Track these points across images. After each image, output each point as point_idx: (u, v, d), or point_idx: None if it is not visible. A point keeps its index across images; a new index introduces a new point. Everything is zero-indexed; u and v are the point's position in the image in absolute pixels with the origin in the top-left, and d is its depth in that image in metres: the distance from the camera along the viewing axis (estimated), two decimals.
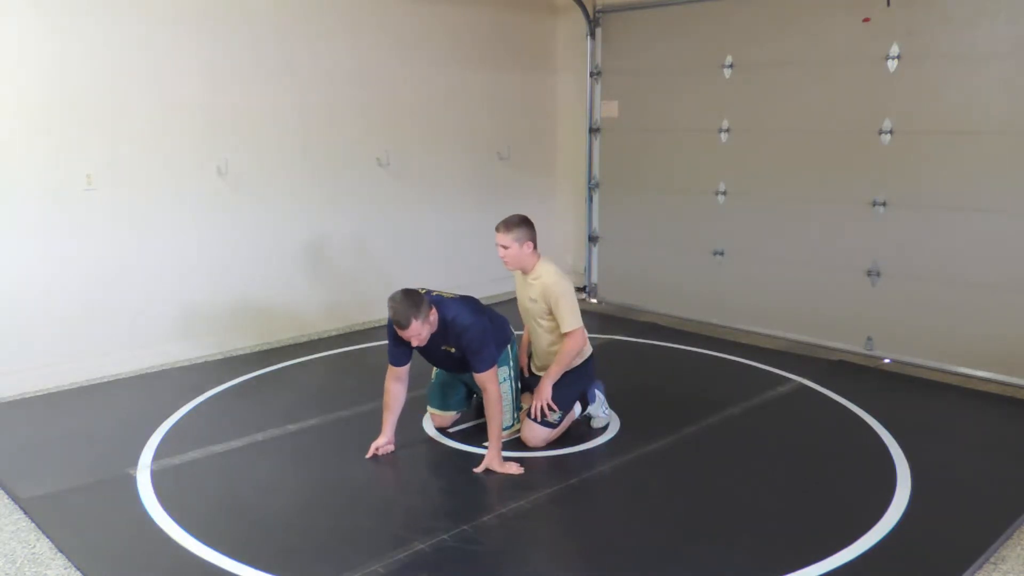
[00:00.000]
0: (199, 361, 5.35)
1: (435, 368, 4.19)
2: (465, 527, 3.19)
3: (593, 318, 6.54)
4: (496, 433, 3.70)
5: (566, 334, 3.91)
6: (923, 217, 5.16)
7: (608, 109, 6.81)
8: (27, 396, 4.69)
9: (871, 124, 5.28)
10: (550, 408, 3.91)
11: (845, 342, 5.55)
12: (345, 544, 3.10)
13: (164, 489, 3.53)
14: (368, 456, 3.82)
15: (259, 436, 4.11)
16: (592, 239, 7.08)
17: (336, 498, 3.51)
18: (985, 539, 3.12)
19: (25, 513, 3.39)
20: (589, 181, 6.99)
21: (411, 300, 3.52)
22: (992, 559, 3.05)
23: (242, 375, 5.04)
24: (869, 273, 5.43)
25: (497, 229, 3.93)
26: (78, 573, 2.96)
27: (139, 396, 4.73)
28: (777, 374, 5.05)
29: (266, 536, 3.18)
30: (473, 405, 4.27)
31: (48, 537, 3.20)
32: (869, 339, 5.47)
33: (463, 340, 3.68)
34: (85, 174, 4.84)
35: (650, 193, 6.61)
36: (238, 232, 5.53)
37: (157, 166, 5.11)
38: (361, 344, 5.74)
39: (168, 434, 4.13)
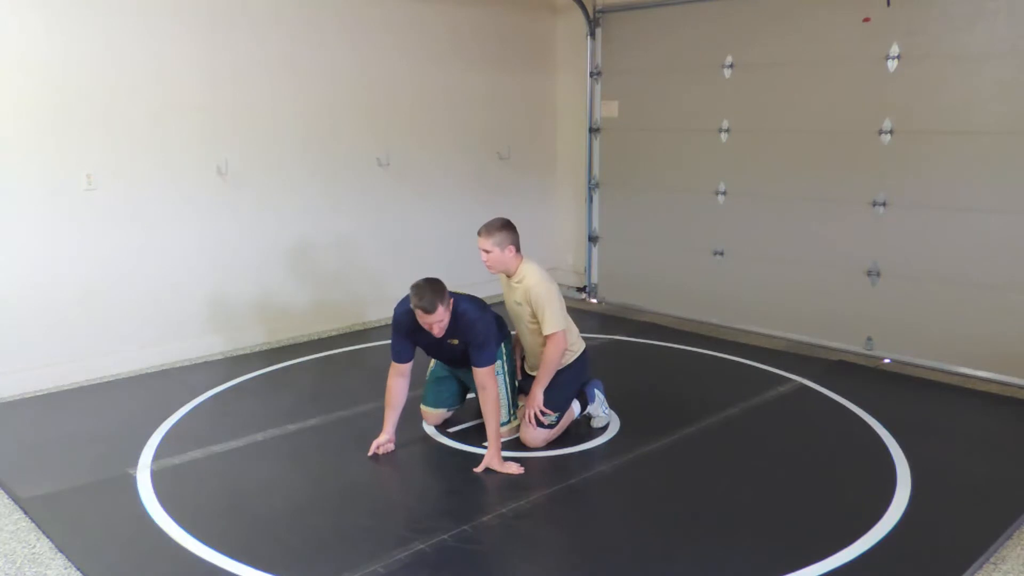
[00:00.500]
0: (199, 361, 5.35)
1: (431, 367, 4.20)
2: (465, 527, 3.19)
3: (593, 318, 6.54)
4: (495, 432, 3.71)
5: (548, 336, 3.89)
6: (923, 217, 5.16)
7: (608, 109, 6.81)
8: (27, 396, 4.69)
9: (871, 124, 5.28)
10: (543, 413, 3.92)
11: (845, 342, 5.56)
12: (345, 544, 3.10)
13: (164, 489, 3.53)
14: (369, 455, 3.82)
15: (259, 436, 4.11)
16: (592, 239, 7.08)
17: (336, 498, 3.51)
18: (985, 539, 3.12)
19: (25, 513, 3.39)
20: (589, 181, 7.00)
21: (436, 287, 3.59)
22: (992, 559, 3.05)
23: (242, 375, 5.04)
24: (869, 273, 5.43)
25: (479, 233, 3.92)
26: (78, 573, 2.96)
27: (139, 396, 4.73)
28: (777, 374, 5.05)
29: (266, 536, 3.18)
30: (468, 403, 4.28)
31: (48, 537, 3.20)
32: (869, 339, 5.47)
33: (470, 334, 3.72)
34: (85, 174, 4.84)
35: (650, 193, 6.62)
36: (238, 232, 5.53)
37: (157, 166, 5.12)
38: (361, 344, 5.74)
39: (168, 434, 4.13)
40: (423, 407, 4.20)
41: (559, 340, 3.88)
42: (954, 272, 5.06)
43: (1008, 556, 3.08)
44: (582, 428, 4.18)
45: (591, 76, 6.84)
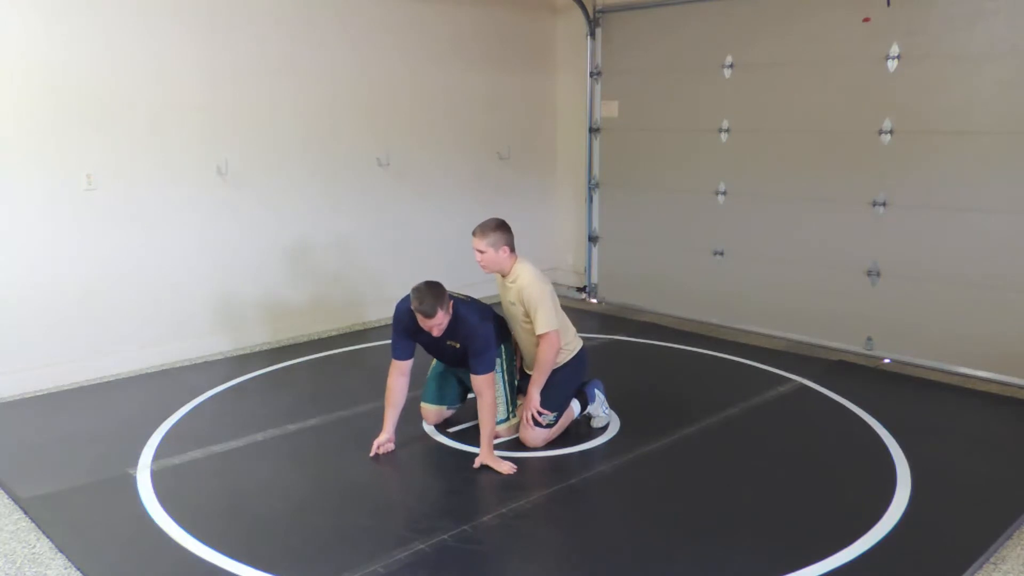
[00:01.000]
0: (199, 361, 5.35)
1: (432, 365, 4.21)
2: (465, 527, 3.19)
3: (593, 318, 6.54)
4: (488, 435, 3.75)
5: (541, 336, 3.88)
6: (923, 217, 5.16)
7: (608, 109, 6.81)
8: (27, 396, 4.69)
9: (871, 124, 5.28)
10: (540, 413, 3.92)
11: (845, 342, 5.56)
12: (345, 544, 3.10)
13: (164, 489, 3.53)
14: (371, 455, 3.82)
15: (259, 436, 4.11)
16: (592, 239, 7.08)
17: (336, 498, 3.51)
18: (985, 539, 3.12)
19: (25, 513, 3.39)
20: (589, 181, 7.00)
21: (436, 291, 3.63)
22: (992, 559, 3.05)
23: (242, 375, 5.04)
24: (869, 273, 5.43)
25: (473, 234, 3.92)
26: (78, 573, 2.96)
27: (139, 396, 4.73)
28: (777, 374, 5.05)
29: (266, 536, 3.18)
30: (468, 403, 4.28)
31: (48, 537, 3.20)
32: (869, 339, 5.47)
33: (469, 340, 3.76)
34: (85, 174, 4.84)
35: (650, 193, 6.62)
36: (238, 232, 5.53)
37: (157, 166, 5.11)
38: (361, 344, 5.74)
39: (168, 434, 4.13)
40: (423, 404, 4.20)
41: (552, 340, 3.88)
42: (954, 272, 5.06)
43: (1008, 556, 3.08)
44: (582, 428, 4.18)
45: (591, 76, 6.84)
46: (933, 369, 5.16)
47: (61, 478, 3.64)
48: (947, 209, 5.05)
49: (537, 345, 3.92)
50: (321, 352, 5.54)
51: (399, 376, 3.87)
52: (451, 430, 4.16)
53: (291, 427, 4.23)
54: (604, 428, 4.19)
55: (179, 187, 5.23)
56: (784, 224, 5.83)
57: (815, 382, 4.88)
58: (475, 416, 4.22)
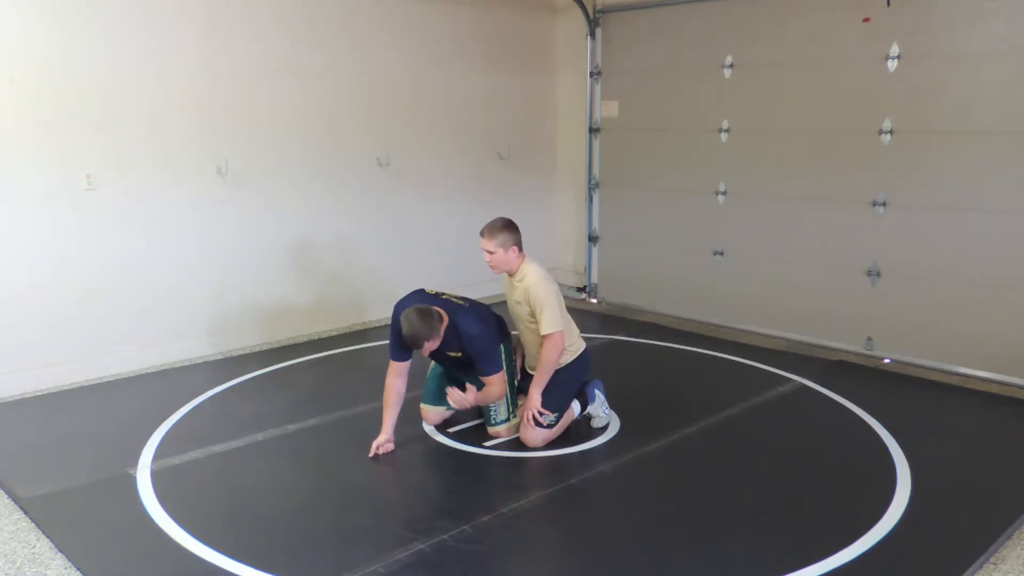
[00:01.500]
0: (199, 361, 5.35)
1: (431, 365, 4.22)
2: (465, 527, 3.19)
3: (593, 318, 6.54)
4: (482, 398, 3.91)
5: (545, 336, 3.89)
6: (923, 217, 5.16)
7: (608, 109, 6.81)
8: (27, 396, 4.69)
9: (871, 124, 5.28)
10: (541, 413, 3.92)
11: (845, 342, 5.56)
12: (345, 544, 3.10)
13: (164, 489, 3.53)
14: (370, 456, 3.82)
15: (259, 436, 4.11)
16: (592, 239, 7.08)
17: (336, 498, 3.51)
18: (985, 539, 3.12)
19: (25, 513, 3.39)
20: (589, 181, 7.00)
21: (425, 321, 3.63)
22: (992, 559, 3.05)
23: (242, 375, 5.04)
24: (869, 273, 5.43)
25: (481, 234, 3.93)
26: (78, 573, 2.96)
27: (139, 396, 4.73)
28: (777, 374, 5.05)
29: (266, 536, 3.18)
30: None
31: (48, 537, 3.20)
32: (869, 339, 5.47)
33: (471, 348, 3.79)
34: (85, 174, 4.84)
35: (650, 193, 6.61)
36: (238, 232, 5.53)
37: (157, 166, 5.11)
38: (361, 344, 5.74)
39: (168, 434, 4.13)
40: (423, 405, 4.20)
41: (556, 340, 3.88)
42: (954, 272, 5.06)
43: (1008, 556, 3.08)
44: (582, 428, 4.18)
45: (591, 76, 6.84)
46: (933, 369, 5.16)
47: (61, 478, 3.64)
48: (947, 209, 5.05)
49: (541, 345, 3.92)
50: (321, 352, 5.54)
51: (396, 377, 3.88)
52: (451, 430, 4.16)
53: (291, 427, 4.23)
54: (604, 428, 4.19)
55: (179, 187, 5.22)
56: (784, 224, 5.83)
57: (815, 382, 4.88)
58: (475, 416, 4.24)
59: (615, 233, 6.95)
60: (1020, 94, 4.71)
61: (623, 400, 4.45)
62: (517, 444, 3.97)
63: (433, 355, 3.92)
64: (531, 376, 4.08)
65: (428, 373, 4.22)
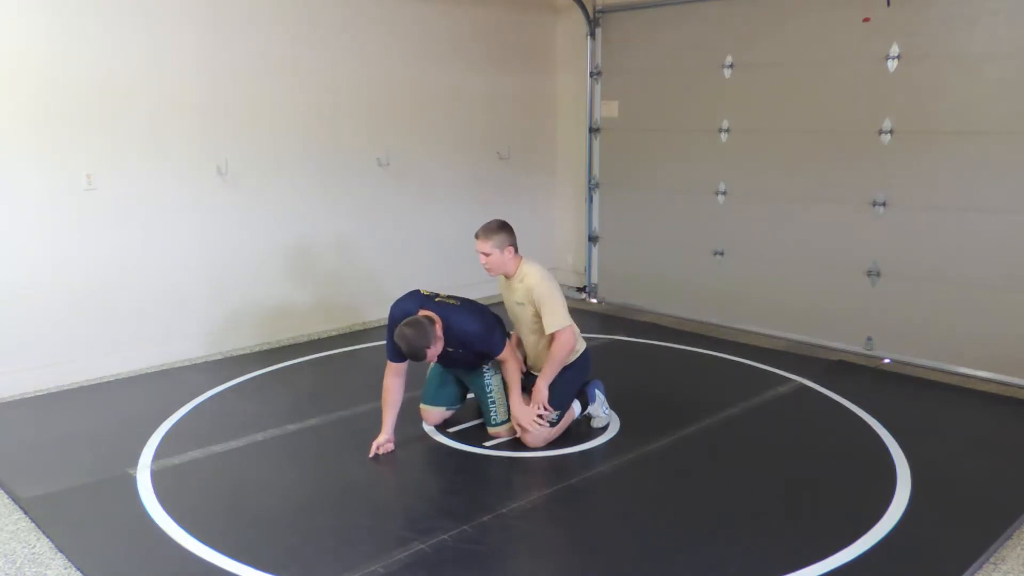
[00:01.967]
0: (199, 361, 5.35)
1: (431, 366, 4.21)
2: (465, 527, 3.19)
3: (593, 318, 6.54)
4: (515, 385, 3.91)
5: (554, 333, 3.88)
6: (923, 217, 5.16)
7: (608, 109, 6.81)
8: (27, 396, 4.69)
9: (871, 124, 5.28)
10: (545, 409, 3.91)
11: (845, 342, 5.56)
12: (345, 544, 3.10)
13: (164, 489, 3.53)
14: (370, 456, 3.82)
15: (259, 436, 4.11)
16: (592, 239, 7.08)
17: (336, 498, 3.51)
18: (985, 539, 3.12)
19: (25, 513, 3.38)
20: (589, 181, 7.00)
21: (418, 331, 3.61)
22: (992, 559, 3.05)
23: (242, 375, 5.04)
24: (869, 273, 5.43)
25: (476, 236, 3.93)
26: (78, 573, 2.96)
27: (139, 396, 4.73)
28: (777, 374, 5.05)
29: (266, 536, 3.18)
30: (468, 403, 4.28)
31: (48, 537, 3.20)
32: (869, 339, 5.47)
33: (472, 343, 3.80)
34: (85, 174, 4.84)
35: (650, 193, 6.61)
36: (238, 232, 5.53)
37: (157, 166, 5.11)
38: (360, 344, 5.74)
39: (168, 434, 4.13)
40: (423, 406, 4.20)
41: (567, 336, 3.88)
42: (954, 272, 5.06)
43: (1008, 556, 3.08)
44: (582, 428, 4.18)
45: (591, 76, 6.84)
46: (933, 369, 5.16)
47: (61, 478, 3.64)
48: (947, 209, 5.05)
49: (548, 345, 3.92)
50: (321, 352, 5.54)
51: (394, 377, 3.87)
52: (451, 430, 4.16)
53: (291, 427, 4.23)
54: (604, 428, 4.19)
55: (179, 187, 5.22)
56: (784, 224, 5.83)
57: (815, 382, 4.88)
58: (475, 416, 4.24)
59: (615, 233, 6.95)
60: (1020, 94, 4.71)
61: (623, 400, 4.45)
62: (517, 444, 3.97)
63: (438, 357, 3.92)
64: (532, 376, 4.08)
65: (428, 373, 4.22)
